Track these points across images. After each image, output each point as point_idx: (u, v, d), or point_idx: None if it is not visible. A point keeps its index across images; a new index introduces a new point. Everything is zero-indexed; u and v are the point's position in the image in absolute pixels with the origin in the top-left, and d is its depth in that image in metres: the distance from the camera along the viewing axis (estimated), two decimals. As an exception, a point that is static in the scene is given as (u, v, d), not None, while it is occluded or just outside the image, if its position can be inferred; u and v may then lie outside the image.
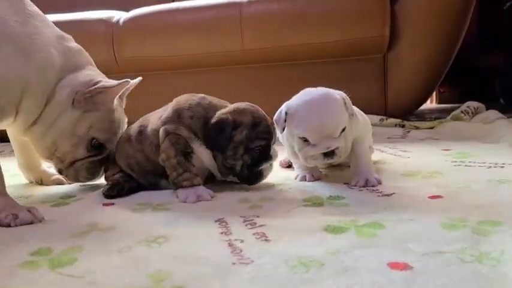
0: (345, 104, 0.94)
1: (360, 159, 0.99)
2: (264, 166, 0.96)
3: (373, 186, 0.93)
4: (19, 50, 0.92)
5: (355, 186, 0.94)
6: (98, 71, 1.09)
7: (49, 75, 0.97)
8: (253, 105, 0.99)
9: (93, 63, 1.10)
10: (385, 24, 2.19)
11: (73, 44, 1.06)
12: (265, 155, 0.95)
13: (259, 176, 0.97)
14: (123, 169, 1.04)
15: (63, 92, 0.98)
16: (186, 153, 0.94)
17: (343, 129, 0.92)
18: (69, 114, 0.99)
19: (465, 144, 1.41)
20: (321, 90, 0.96)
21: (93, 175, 1.07)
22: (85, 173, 1.05)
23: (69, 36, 1.07)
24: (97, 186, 1.10)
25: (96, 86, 0.99)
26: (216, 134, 0.93)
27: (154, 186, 1.02)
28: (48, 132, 0.99)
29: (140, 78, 1.13)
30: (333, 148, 0.91)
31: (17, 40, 0.93)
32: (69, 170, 1.04)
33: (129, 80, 1.03)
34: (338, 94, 0.96)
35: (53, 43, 0.99)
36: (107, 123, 1.04)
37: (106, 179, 1.07)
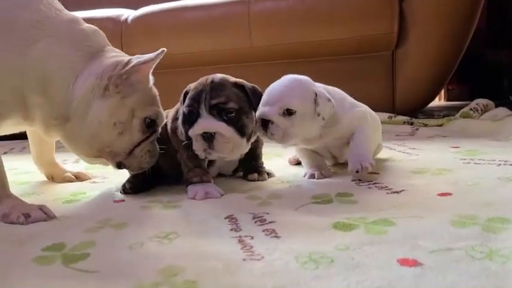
0: (316, 99, 0.94)
1: (354, 144, 1.00)
2: (191, 135, 0.90)
3: (366, 169, 0.94)
4: (16, 39, 0.83)
5: (352, 171, 0.96)
6: (117, 49, 0.98)
7: (55, 66, 0.86)
8: (223, 75, 0.95)
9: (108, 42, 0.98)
10: (394, 21, 2.18)
11: (86, 25, 0.95)
12: (188, 119, 0.91)
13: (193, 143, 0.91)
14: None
15: (88, 83, 0.87)
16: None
17: (293, 112, 0.92)
18: (101, 104, 0.87)
19: (474, 142, 1.41)
20: (296, 75, 0.99)
21: (156, 156, 0.98)
22: (148, 157, 0.96)
23: (79, 18, 0.95)
24: (107, 183, 1.11)
25: (132, 65, 0.88)
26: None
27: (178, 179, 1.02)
28: (84, 128, 0.89)
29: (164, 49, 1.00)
30: (266, 114, 0.92)
31: (14, 28, 0.83)
32: (129, 160, 0.95)
33: (164, 49, 0.90)
34: (318, 87, 0.97)
35: (61, 29, 0.88)
36: (150, 98, 0.95)
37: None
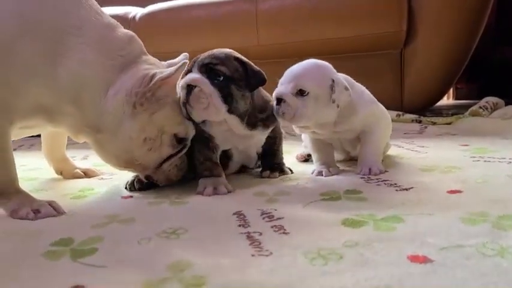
0: (332, 85, 0.94)
1: (365, 147, 1.02)
2: (179, 87, 0.91)
3: (375, 175, 0.97)
4: (50, 46, 0.81)
5: (359, 174, 0.99)
6: (153, 58, 0.95)
7: (88, 76, 0.83)
8: (231, 50, 0.95)
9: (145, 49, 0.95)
10: (402, 19, 2.17)
11: (122, 32, 0.91)
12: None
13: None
14: None
15: (118, 98, 0.85)
16: (207, 140, 0.95)
17: (305, 93, 0.93)
18: (131, 121, 0.86)
19: (484, 140, 1.39)
20: (316, 60, 1.00)
21: (183, 170, 0.98)
22: (176, 171, 0.96)
23: (117, 24, 0.92)
24: (115, 180, 1.11)
25: (154, 82, 0.85)
26: None
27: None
28: (115, 142, 0.88)
29: (187, 54, 1.00)
30: (279, 92, 0.93)
31: (50, 34, 0.81)
32: (157, 174, 0.95)
33: (186, 60, 0.88)
34: (338, 75, 0.97)
35: (97, 37, 0.85)
36: (178, 114, 0.92)
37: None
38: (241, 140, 0.98)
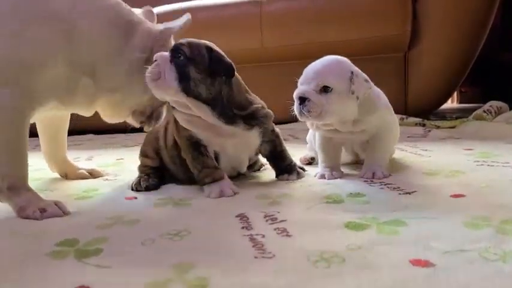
0: (351, 77, 0.94)
1: (373, 152, 1.03)
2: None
3: (378, 179, 0.97)
4: (59, 26, 0.87)
5: (362, 177, 1.00)
6: (140, 16, 1.03)
7: (101, 46, 0.92)
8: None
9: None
10: (406, 22, 2.17)
11: (111, 1, 0.98)
12: None
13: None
14: (167, 163, 1.07)
15: (132, 57, 0.95)
16: (198, 145, 0.95)
17: (329, 89, 0.93)
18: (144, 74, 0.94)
19: (488, 144, 1.39)
20: (333, 55, 1.01)
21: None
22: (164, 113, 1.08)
23: None
24: (119, 181, 1.12)
25: (168, 34, 1.00)
26: None
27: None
28: (131, 97, 0.99)
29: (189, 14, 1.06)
30: (303, 92, 0.94)
31: (56, 15, 0.87)
32: (151, 119, 1.06)
33: (190, 17, 1.02)
34: (353, 67, 0.99)
35: (95, 9, 0.92)
36: None
37: (140, 166, 1.10)
38: (227, 140, 0.96)
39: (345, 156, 1.13)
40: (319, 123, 0.99)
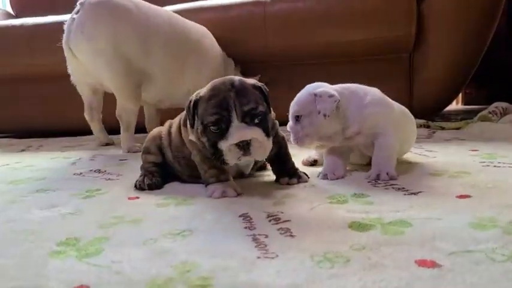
0: (315, 99, 0.99)
1: (377, 152, 1.02)
2: (224, 146, 0.85)
3: (383, 180, 0.96)
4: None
5: (367, 178, 0.98)
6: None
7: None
8: (233, 77, 0.91)
9: None
10: (412, 23, 2.16)
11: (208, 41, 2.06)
12: (220, 133, 0.85)
13: (222, 155, 0.86)
14: (170, 161, 1.06)
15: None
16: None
17: (299, 117, 1.01)
18: None
19: (493, 145, 1.38)
20: (318, 84, 1.05)
21: None
22: None
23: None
24: (122, 181, 1.11)
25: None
26: (187, 110, 0.93)
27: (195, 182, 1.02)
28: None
29: None
30: (288, 125, 1.04)
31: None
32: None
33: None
34: (326, 88, 1.01)
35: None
36: None
37: (143, 164, 1.09)
38: None
39: (359, 159, 1.14)
40: (303, 146, 1.03)
